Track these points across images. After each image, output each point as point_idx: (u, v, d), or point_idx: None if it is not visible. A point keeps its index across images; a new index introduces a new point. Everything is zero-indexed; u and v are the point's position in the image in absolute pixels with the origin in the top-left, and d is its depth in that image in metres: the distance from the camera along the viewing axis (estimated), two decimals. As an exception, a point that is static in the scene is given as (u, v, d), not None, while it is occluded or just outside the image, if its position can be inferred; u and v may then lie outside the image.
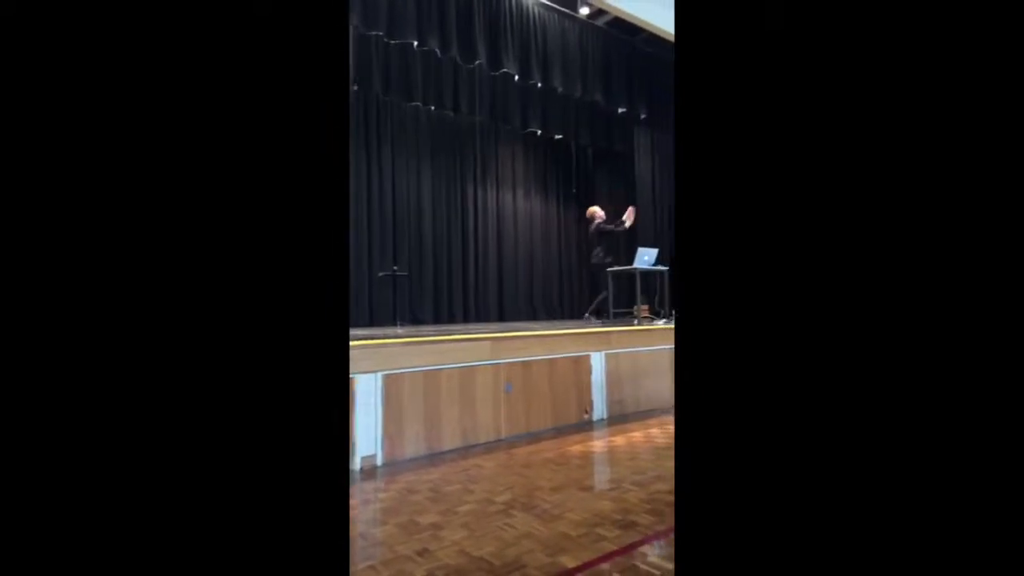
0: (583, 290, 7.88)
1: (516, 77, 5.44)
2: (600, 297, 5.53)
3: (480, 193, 6.81)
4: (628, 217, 5.38)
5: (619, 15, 5.15)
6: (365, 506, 2.53)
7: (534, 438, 3.71)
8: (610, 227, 5.38)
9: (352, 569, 1.79)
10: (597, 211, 5.52)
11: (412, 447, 3.29)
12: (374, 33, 4.54)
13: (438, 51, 4.79)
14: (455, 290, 6.42)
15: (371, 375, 3.17)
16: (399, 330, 4.22)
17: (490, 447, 3.51)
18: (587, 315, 5.50)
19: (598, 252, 5.39)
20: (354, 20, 4.28)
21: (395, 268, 5.37)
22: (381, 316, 5.51)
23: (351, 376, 3.09)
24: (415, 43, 4.66)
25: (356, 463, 3.07)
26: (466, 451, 3.41)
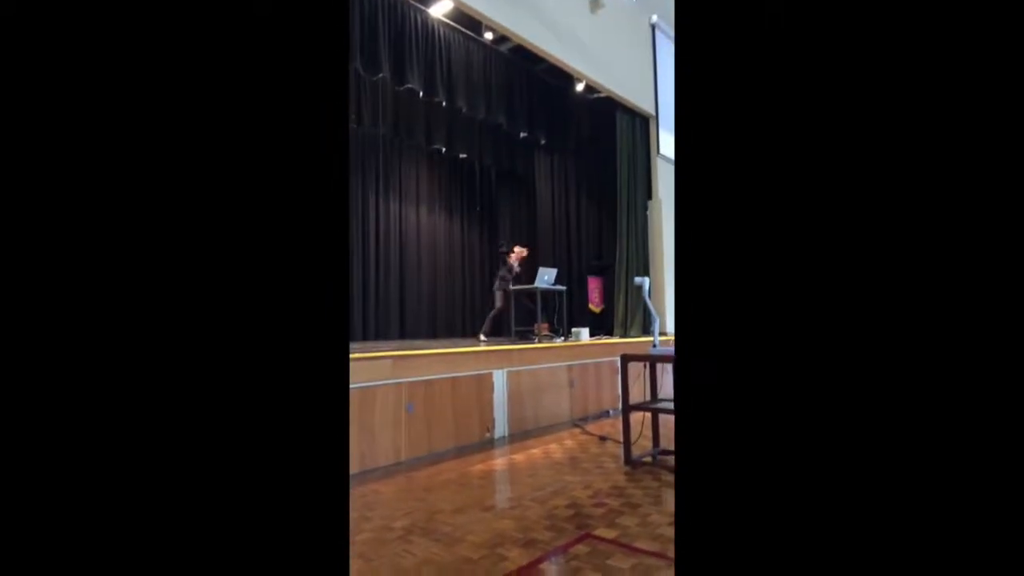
0: (485, 308, 7.95)
1: (420, 94, 5.43)
2: (492, 313, 5.95)
3: (383, 207, 6.66)
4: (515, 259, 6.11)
5: (521, 43, 5.36)
6: (248, 544, 2.32)
7: (436, 459, 3.64)
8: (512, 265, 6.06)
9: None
10: (523, 253, 6.18)
11: (303, 476, 3.08)
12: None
13: (340, 61, 4.66)
14: (354, 306, 6.18)
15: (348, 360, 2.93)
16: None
17: (389, 471, 3.38)
18: (482, 336, 5.78)
19: (505, 277, 6.00)
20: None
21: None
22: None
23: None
24: (315, 50, 4.50)
25: (238, 497, 2.80)
26: (363, 476, 3.26)
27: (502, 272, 6.10)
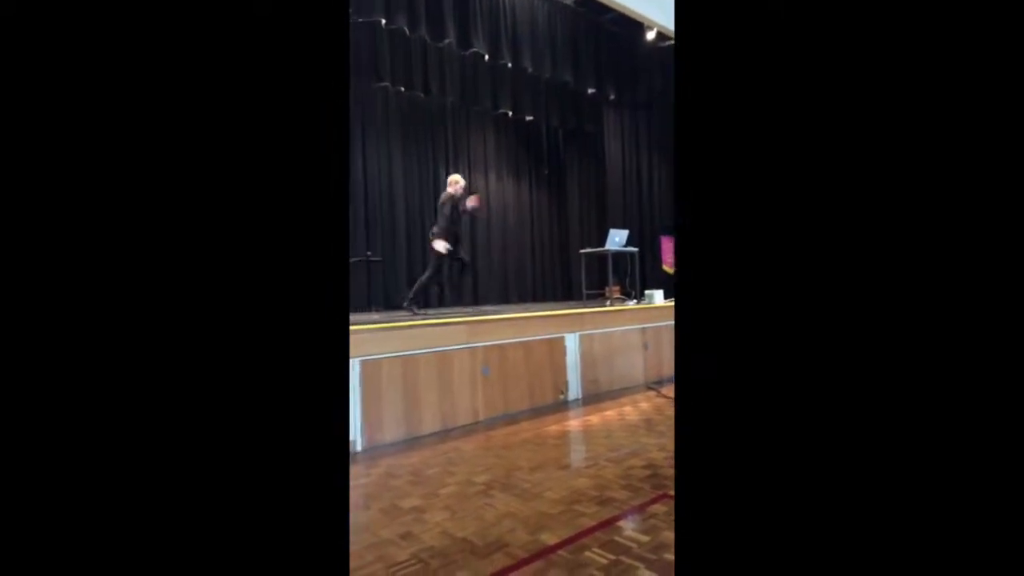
0: (556, 272, 7.96)
1: (486, 57, 5.37)
2: (421, 280, 4.48)
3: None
4: (472, 203, 4.62)
5: (589, -5, 5.12)
6: (347, 492, 2.55)
7: (512, 419, 3.78)
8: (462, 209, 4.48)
9: (337, 555, 1.82)
10: (459, 182, 4.53)
11: (392, 432, 3.32)
12: (339, 11, 4.41)
13: (407, 29, 4.69)
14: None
15: (349, 361, 3.16)
16: (375, 316, 4.21)
17: (468, 430, 3.56)
18: (406, 304, 4.37)
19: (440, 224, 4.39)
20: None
21: (368, 254, 5.31)
22: (356, 302, 5.46)
23: (327, 364, 3.07)
24: (383, 21, 4.55)
25: (335, 450, 3.08)
26: (445, 434, 3.46)
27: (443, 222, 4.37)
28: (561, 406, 4.15)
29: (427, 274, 4.43)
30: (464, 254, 4.69)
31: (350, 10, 4.32)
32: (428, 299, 6.11)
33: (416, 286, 4.45)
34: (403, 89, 5.84)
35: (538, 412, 3.97)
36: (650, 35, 6.02)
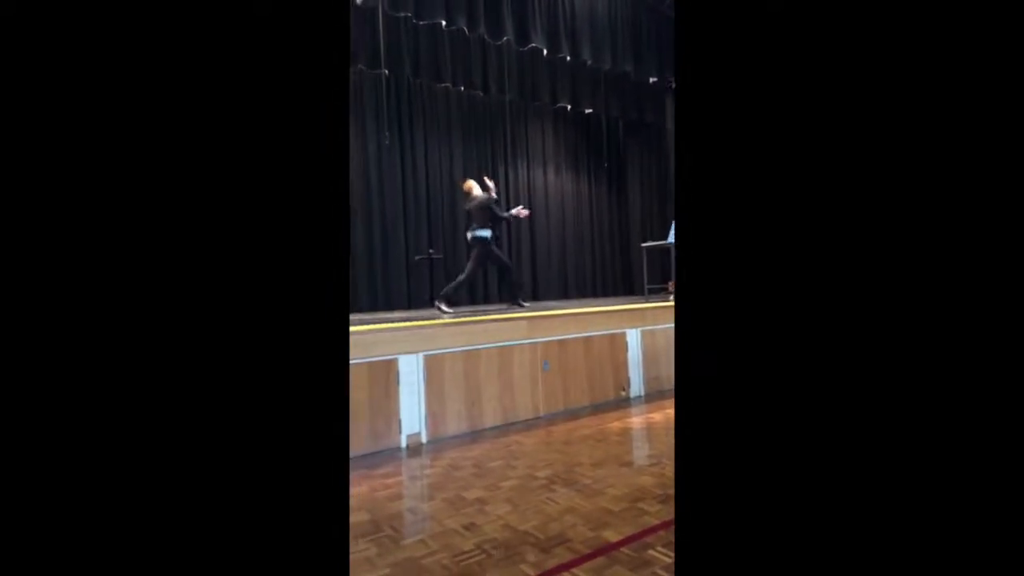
0: (616, 266, 7.82)
1: (544, 52, 5.35)
2: (455, 282, 4.40)
3: (512, 172, 6.79)
4: (519, 213, 4.62)
5: (650, -19, 4.98)
6: (412, 482, 2.65)
7: (572, 415, 3.77)
8: (499, 213, 4.39)
9: (402, 543, 1.90)
10: (474, 186, 4.49)
11: (454, 425, 3.40)
12: (403, 15, 4.54)
13: (466, 29, 4.75)
14: (489, 270, 6.48)
15: (412, 356, 3.28)
16: (438, 311, 4.32)
17: (529, 424, 3.59)
18: (436, 303, 4.21)
19: (474, 227, 4.36)
20: (382, 2, 4.28)
21: (431, 251, 5.46)
22: (419, 299, 5.63)
23: (393, 357, 3.20)
24: (443, 23, 4.64)
25: (402, 441, 3.20)
26: (506, 428, 3.50)
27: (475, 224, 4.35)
28: (623, 403, 4.10)
29: (466, 273, 4.40)
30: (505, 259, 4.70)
31: (409, 14, 4.44)
32: (490, 295, 6.20)
33: (451, 285, 4.35)
34: (463, 89, 5.93)
35: (599, 408, 3.94)
36: (715, 18, 5.76)
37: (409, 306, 5.57)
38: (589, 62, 5.60)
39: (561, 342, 3.93)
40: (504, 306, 4.87)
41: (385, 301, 5.55)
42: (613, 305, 4.53)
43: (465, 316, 3.74)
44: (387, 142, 5.49)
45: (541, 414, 3.77)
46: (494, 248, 4.42)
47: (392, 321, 3.42)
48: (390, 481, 2.62)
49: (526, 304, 4.58)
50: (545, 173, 7.16)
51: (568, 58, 5.51)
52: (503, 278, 4.95)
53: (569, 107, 6.62)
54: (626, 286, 7.67)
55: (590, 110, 6.86)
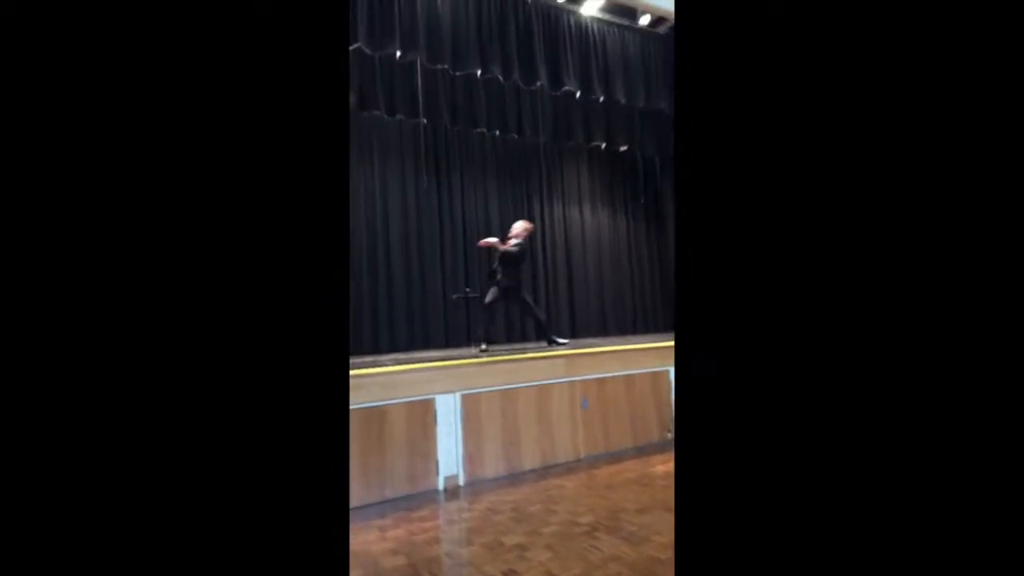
0: (656, 303, 7.67)
1: (578, 94, 5.47)
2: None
3: (547, 211, 6.86)
4: (516, 234, 4.37)
5: (680, 22, 5.07)
6: (450, 526, 2.59)
7: (615, 458, 3.63)
8: (505, 248, 4.25)
9: (441, 588, 1.83)
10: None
11: (493, 467, 3.33)
12: (440, 67, 4.76)
13: (500, 77, 4.93)
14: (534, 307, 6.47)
15: (450, 395, 3.26)
16: (474, 350, 4.32)
17: (570, 467, 3.47)
18: (481, 348, 4.20)
19: (497, 272, 4.32)
20: (420, 56, 4.51)
21: (467, 290, 5.51)
22: (456, 337, 5.65)
23: (431, 396, 3.19)
24: (479, 72, 4.83)
25: (440, 483, 3.15)
26: (546, 471, 3.40)
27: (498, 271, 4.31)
28: (667, 445, 3.92)
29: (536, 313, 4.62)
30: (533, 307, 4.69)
31: (446, 66, 4.65)
32: (527, 333, 6.17)
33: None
34: (498, 133, 6.11)
35: (643, 451, 3.78)
36: (748, 54, 5.78)
37: (447, 344, 5.60)
38: (623, 101, 5.68)
39: (601, 381, 3.83)
40: (542, 344, 4.83)
41: (423, 340, 5.60)
42: (654, 342, 4.41)
43: (501, 354, 3.72)
44: (426, 186, 5.67)
45: (582, 456, 3.65)
46: (525, 296, 4.43)
47: (429, 360, 3.43)
48: (428, 524, 2.56)
49: (562, 341, 4.52)
50: (581, 211, 7.19)
51: (601, 99, 5.62)
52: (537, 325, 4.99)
53: (604, 145, 6.69)
54: (667, 323, 7.49)
55: (625, 147, 6.91)
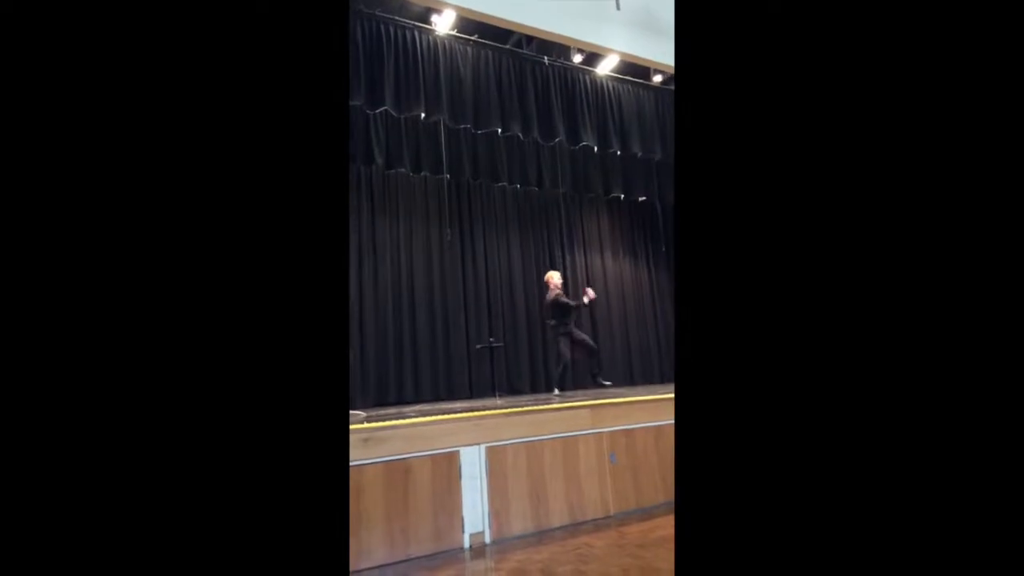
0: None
1: (595, 148, 5.64)
2: (559, 369, 4.98)
3: (569, 260, 6.92)
4: (586, 296, 5.00)
5: (693, 77, 5.25)
6: (476, 587, 2.48)
7: (646, 515, 3.48)
8: (566, 301, 4.89)
9: (468, 656, 1.75)
10: (554, 277, 5.05)
11: (519, 523, 3.22)
12: (463, 127, 4.99)
13: (520, 135, 5.13)
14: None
15: (474, 447, 3.21)
16: (499, 401, 4.28)
17: (599, 524, 3.33)
18: (556, 391, 4.89)
19: (552, 322, 4.97)
20: (444, 117, 4.74)
21: (491, 340, 5.52)
22: (480, 388, 5.62)
23: (455, 449, 3.15)
24: (499, 131, 5.04)
25: (465, 541, 3.05)
26: (574, 528, 3.27)
27: (552, 320, 4.96)
28: (701, 500, 3.74)
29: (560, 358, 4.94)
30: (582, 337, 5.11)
31: (468, 125, 4.87)
32: (551, 383, 6.11)
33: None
34: (519, 186, 6.29)
35: (675, 507, 3.61)
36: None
37: (471, 395, 5.55)
38: (639, 154, 5.82)
39: (628, 432, 3.73)
40: (566, 393, 4.76)
41: (447, 391, 5.57)
42: (682, 391, 4.30)
43: (526, 405, 3.67)
44: (449, 239, 5.81)
45: (612, 513, 3.50)
46: (572, 331, 4.89)
47: (454, 412, 3.41)
48: (452, 586, 2.46)
49: (607, 383, 5.03)
50: (603, 260, 7.23)
51: (619, 152, 5.77)
52: (590, 356, 5.30)
53: (623, 196, 6.81)
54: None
55: (643, 198, 7.01)
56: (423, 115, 4.66)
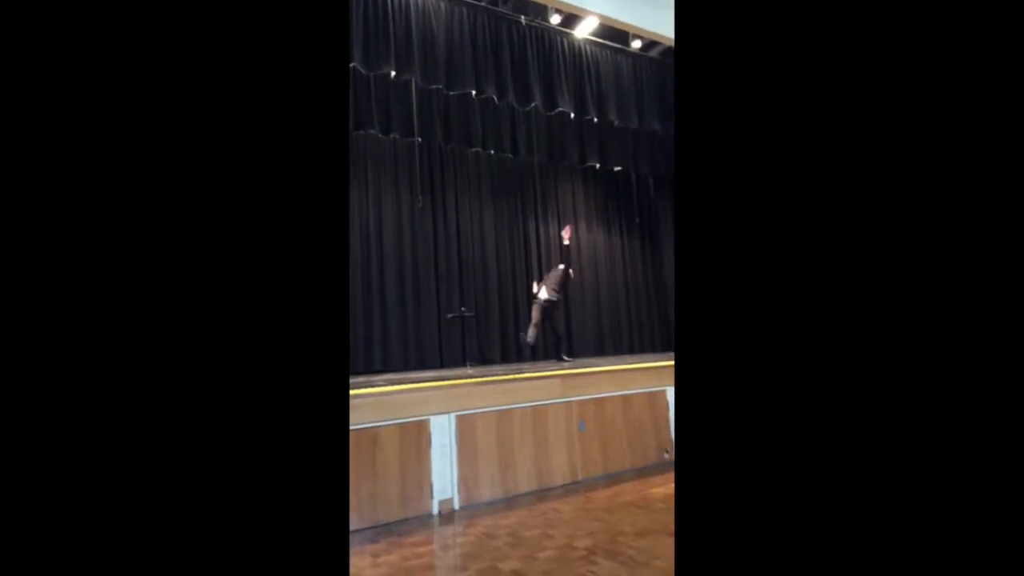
0: (653, 322, 7.65)
1: (572, 115, 5.52)
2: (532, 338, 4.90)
3: (543, 230, 6.86)
4: (565, 234, 5.11)
5: (671, 44, 5.16)
6: (445, 551, 2.50)
7: (613, 480, 3.55)
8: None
9: (435, 619, 1.75)
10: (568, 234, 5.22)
11: (488, 490, 3.24)
12: (435, 87, 4.80)
13: (495, 98, 4.97)
14: (522, 328, 6.42)
15: (444, 416, 3.19)
16: (469, 370, 4.26)
17: (567, 489, 3.39)
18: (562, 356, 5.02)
19: (558, 296, 5.03)
20: (415, 76, 4.54)
21: (463, 309, 5.47)
22: (451, 358, 5.59)
23: (425, 418, 3.12)
24: (473, 92, 4.87)
25: (434, 507, 3.06)
26: (542, 494, 3.32)
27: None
28: (666, 466, 3.85)
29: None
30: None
31: (440, 85, 4.69)
32: (522, 353, 6.12)
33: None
34: (493, 152, 6.14)
35: (641, 472, 3.70)
36: (739, 76, 5.87)
37: (441, 365, 5.53)
38: (616, 122, 5.74)
39: (597, 401, 3.77)
40: (537, 364, 4.77)
41: (418, 360, 5.53)
42: (651, 362, 4.37)
43: (497, 375, 3.66)
44: (420, 205, 5.67)
45: (579, 479, 3.57)
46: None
47: (424, 381, 3.37)
48: (422, 550, 2.47)
49: (567, 358, 4.84)
50: (577, 230, 7.20)
51: (595, 119, 5.67)
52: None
53: (598, 166, 6.74)
54: (664, 342, 7.45)
55: (619, 168, 6.96)
56: (393, 73, 4.46)
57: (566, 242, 5.04)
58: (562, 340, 5.35)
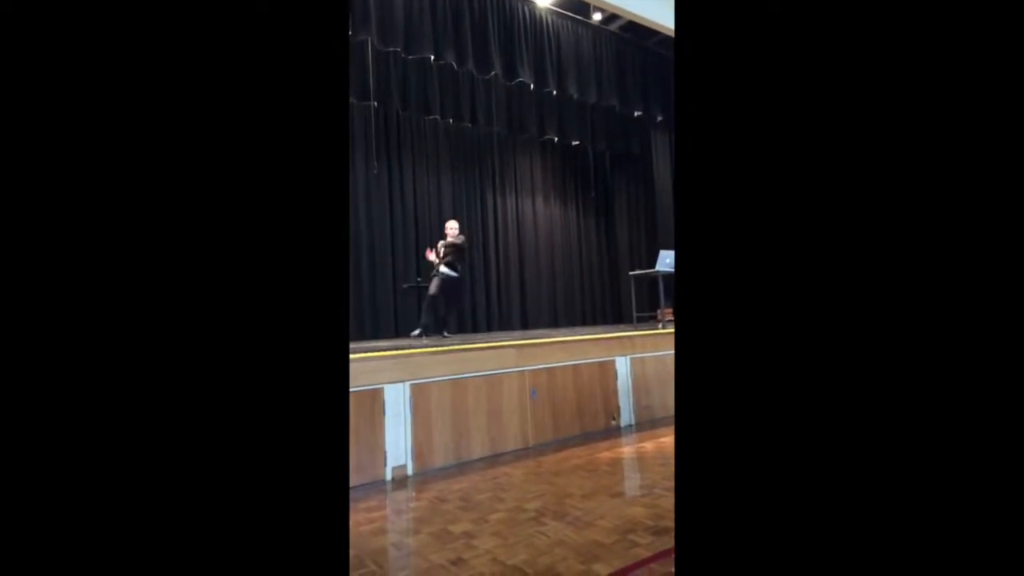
0: (606, 295, 7.85)
1: (531, 86, 5.48)
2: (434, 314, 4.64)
3: (499, 202, 6.85)
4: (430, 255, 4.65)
5: (631, 18, 5.16)
6: (397, 516, 2.56)
7: (562, 445, 3.70)
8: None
9: (388, 578, 1.82)
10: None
11: (441, 456, 3.32)
12: (392, 49, 4.64)
13: (454, 64, 4.87)
14: (478, 299, 6.46)
15: (399, 384, 3.22)
16: (425, 340, 4.28)
17: (518, 455, 3.51)
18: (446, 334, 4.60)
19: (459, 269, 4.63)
20: (372, 37, 4.38)
21: (419, 279, 5.44)
22: (406, 327, 5.58)
23: (379, 386, 3.14)
24: (432, 57, 4.75)
25: (387, 473, 3.11)
26: (494, 460, 3.42)
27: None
28: (613, 432, 4.04)
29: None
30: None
31: (398, 48, 4.54)
32: (477, 324, 6.17)
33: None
34: (451, 121, 6.03)
35: (589, 438, 3.87)
36: (696, 55, 5.96)
37: (396, 334, 5.51)
38: (576, 96, 5.74)
39: (550, 370, 3.89)
40: (492, 334, 4.83)
41: (373, 330, 5.49)
42: (602, 333, 4.52)
43: (452, 345, 3.70)
44: (375, 172, 5.54)
45: (530, 444, 3.69)
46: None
47: (379, 350, 3.37)
48: (374, 515, 2.52)
49: (447, 335, 4.62)
50: (533, 203, 7.23)
51: (555, 92, 5.65)
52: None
53: (556, 139, 6.75)
54: (615, 314, 7.68)
55: (577, 142, 6.99)
56: (348, 33, 4.27)
57: (431, 258, 4.56)
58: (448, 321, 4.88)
